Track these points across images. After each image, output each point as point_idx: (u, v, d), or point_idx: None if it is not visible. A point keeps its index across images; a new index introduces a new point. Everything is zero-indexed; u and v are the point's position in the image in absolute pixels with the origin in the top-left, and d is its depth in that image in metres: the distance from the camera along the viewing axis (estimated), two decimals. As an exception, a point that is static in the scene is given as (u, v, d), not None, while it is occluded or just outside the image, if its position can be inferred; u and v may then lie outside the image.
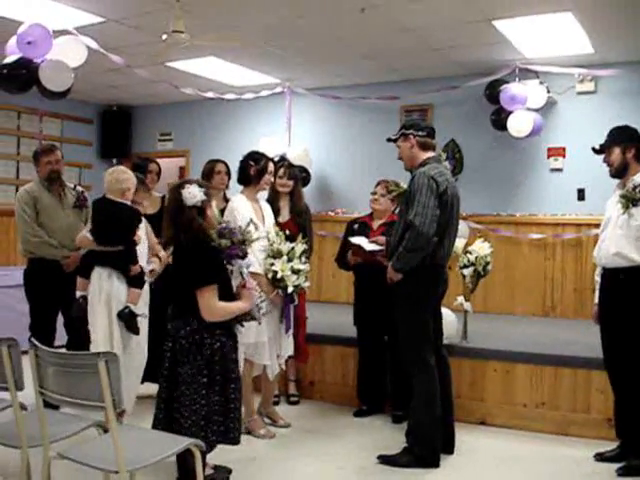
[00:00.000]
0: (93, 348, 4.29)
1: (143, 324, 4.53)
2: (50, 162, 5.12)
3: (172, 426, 3.36)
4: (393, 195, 5.05)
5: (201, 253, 3.45)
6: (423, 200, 3.99)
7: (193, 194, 3.43)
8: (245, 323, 3.67)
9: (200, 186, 3.51)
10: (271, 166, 4.76)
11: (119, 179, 4.47)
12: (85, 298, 4.46)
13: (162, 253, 4.79)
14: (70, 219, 5.16)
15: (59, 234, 5.07)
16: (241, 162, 4.76)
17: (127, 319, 4.38)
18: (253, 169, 4.67)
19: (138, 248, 4.55)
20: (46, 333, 4.86)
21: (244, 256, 3.62)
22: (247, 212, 4.53)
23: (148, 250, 4.76)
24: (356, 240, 4.93)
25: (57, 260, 5.03)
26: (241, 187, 4.79)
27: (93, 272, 4.44)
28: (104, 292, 4.39)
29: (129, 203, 4.52)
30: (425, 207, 3.98)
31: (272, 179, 4.89)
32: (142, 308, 4.54)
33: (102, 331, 4.36)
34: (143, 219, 4.67)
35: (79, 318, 4.50)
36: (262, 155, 4.79)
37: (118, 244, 4.42)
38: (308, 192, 7.00)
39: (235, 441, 3.52)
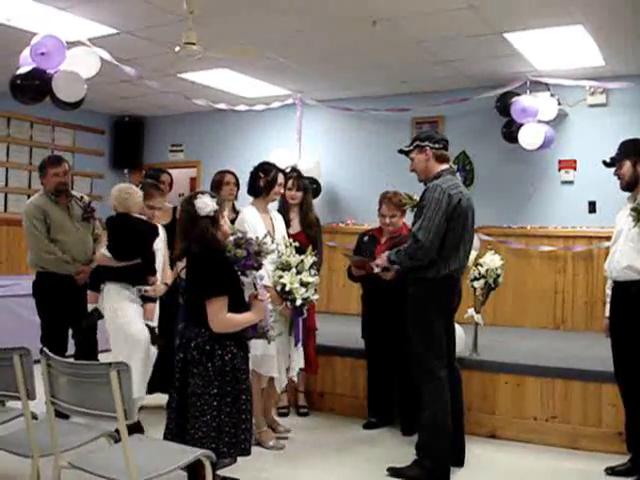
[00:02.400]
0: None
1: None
2: (57, 174, 5.00)
3: (184, 437, 3.36)
4: (405, 208, 5.03)
5: (212, 263, 3.42)
6: (430, 215, 3.99)
7: (206, 204, 3.42)
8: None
9: (212, 197, 3.51)
10: (281, 177, 4.77)
11: (125, 197, 4.49)
12: (97, 310, 4.50)
13: (167, 271, 4.79)
14: (80, 232, 5.11)
15: (71, 248, 5.01)
16: (251, 173, 4.78)
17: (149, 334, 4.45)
18: (263, 180, 4.69)
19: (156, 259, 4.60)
20: (58, 345, 4.73)
21: (259, 267, 3.61)
22: (257, 223, 4.55)
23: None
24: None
25: (69, 274, 4.98)
26: (251, 198, 4.80)
27: (105, 287, 4.48)
28: (116, 307, 4.42)
29: (144, 217, 4.56)
30: (430, 222, 3.98)
31: (282, 190, 4.90)
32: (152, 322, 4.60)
33: (125, 346, 4.39)
34: (161, 230, 4.71)
35: (90, 328, 4.52)
36: (272, 166, 4.80)
37: (136, 257, 4.45)
38: (318, 203, 7.02)
39: (246, 452, 3.51)
